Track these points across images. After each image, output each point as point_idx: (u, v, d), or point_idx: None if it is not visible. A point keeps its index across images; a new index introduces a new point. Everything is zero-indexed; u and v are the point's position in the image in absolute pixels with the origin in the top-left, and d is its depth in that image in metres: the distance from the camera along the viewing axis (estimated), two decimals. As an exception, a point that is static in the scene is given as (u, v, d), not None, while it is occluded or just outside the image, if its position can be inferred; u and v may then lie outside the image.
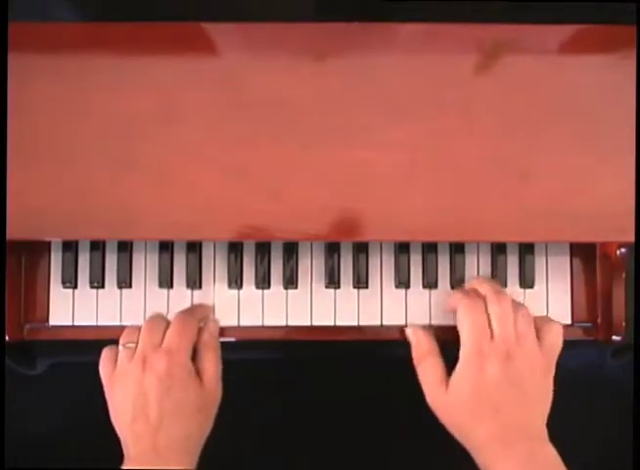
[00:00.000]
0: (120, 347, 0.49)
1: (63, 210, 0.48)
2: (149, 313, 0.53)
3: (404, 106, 0.48)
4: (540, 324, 0.49)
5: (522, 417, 0.46)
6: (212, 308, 0.53)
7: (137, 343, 0.48)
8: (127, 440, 0.46)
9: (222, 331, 0.53)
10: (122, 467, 0.45)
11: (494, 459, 0.45)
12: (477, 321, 0.47)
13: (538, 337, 0.48)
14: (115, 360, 0.49)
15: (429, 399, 0.48)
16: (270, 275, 0.54)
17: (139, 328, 0.49)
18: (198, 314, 0.52)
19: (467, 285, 0.52)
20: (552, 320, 0.49)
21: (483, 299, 0.49)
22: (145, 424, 0.46)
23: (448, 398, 0.47)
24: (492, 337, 0.47)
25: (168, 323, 0.50)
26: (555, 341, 0.48)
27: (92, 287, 0.54)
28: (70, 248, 0.53)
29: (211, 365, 0.49)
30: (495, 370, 0.46)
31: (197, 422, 0.47)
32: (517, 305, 0.48)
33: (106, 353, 0.50)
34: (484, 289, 0.49)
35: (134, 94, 0.48)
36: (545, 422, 0.47)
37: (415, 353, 0.50)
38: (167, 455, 0.45)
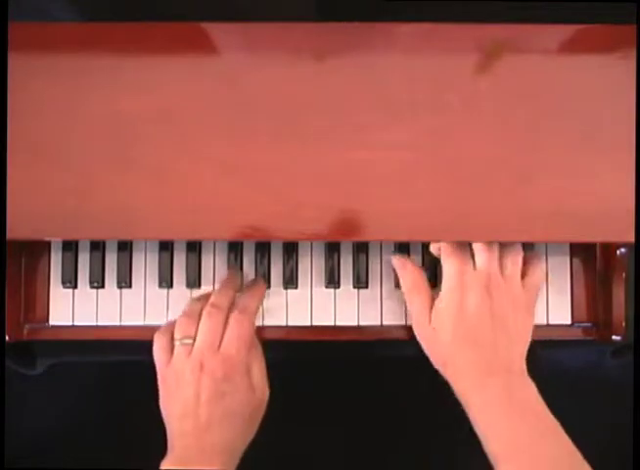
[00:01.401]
0: (177, 342, 0.48)
1: (63, 210, 0.47)
2: (149, 313, 0.53)
3: (404, 105, 0.48)
4: (527, 263, 0.50)
5: (501, 350, 0.47)
6: (264, 286, 0.53)
7: (194, 338, 0.47)
8: (174, 431, 0.47)
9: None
10: (167, 458, 0.45)
11: (472, 389, 0.46)
12: (460, 255, 0.48)
13: (523, 275, 0.49)
14: (170, 351, 0.48)
15: (415, 330, 0.49)
16: (270, 275, 0.54)
17: (195, 320, 0.48)
18: (254, 311, 0.50)
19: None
20: (538, 260, 0.50)
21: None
22: (194, 424, 0.46)
23: (431, 328, 0.48)
24: (475, 269, 0.48)
25: (227, 315, 0.48)
26: (537, 280, 0.50)
27: (92, 287, 0.54)
28: (70, 248, 0.53)
29: (259, 370, 0.49)
30: (476, 301, 0.47)
31: (243, 429, 0.47)
32: (509, 249, 0.49)
33: (160, 343, 0.48)
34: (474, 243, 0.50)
35: (134, 94, 0.48)
36: (524, 359, 0.48)
37: (403, 283, 0.50)
38: (211, 456, 0.45)
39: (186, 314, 0.49)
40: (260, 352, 0.50)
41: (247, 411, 0.47)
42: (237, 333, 0.48)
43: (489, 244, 0.48)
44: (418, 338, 0.49)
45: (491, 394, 0.45)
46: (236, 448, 0.47)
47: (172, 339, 0.49)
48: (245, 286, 0.53)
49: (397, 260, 0.52)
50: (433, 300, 0.49)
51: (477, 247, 0.49)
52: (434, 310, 0.48)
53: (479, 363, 0.46)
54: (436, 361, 0.48)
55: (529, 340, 0.48)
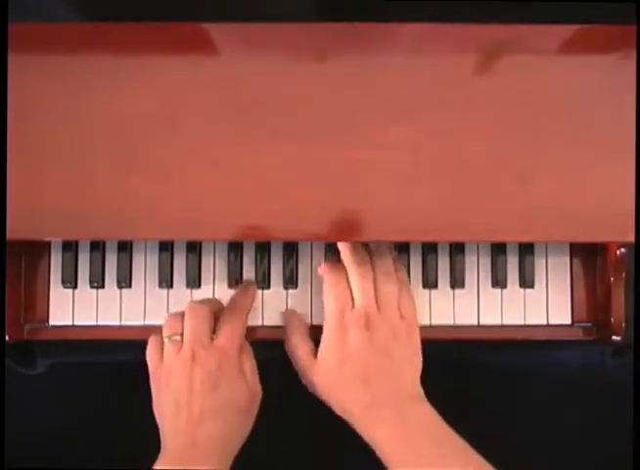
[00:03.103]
0: (165, 339, 0.48)
1: (63, 210, 0.47)
2: (149, 313, 0.53)
3: (404, 106, 0.48)
4: (399, 291, 0.50)
5: (390, 382, 0.47)
6: (255, 292, 0.53)
7: (182, 334, 0.48)
8: (166, 432, 0.46)
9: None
10: (159, 459, 0.45)
11: (369, 427, 0.46)
12: (338, 294, 0.49)
13: (398, 305, 0.49)
14: (161, 351, 0.48)
15: (302, 380, 0.50)
16: (270, 275, 0.54)
17: (181, 317, 0.49)
18: (247, 310, 0.51)
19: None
20: (403, 287, 0.50)
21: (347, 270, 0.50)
22: (186, 418, 0.45)
23: (318, 371, 0.48)
24: (353, 307, 0.48)
25: (211, 311, 0.49)
26: (408, 307, 0.50)
27: (92, 287, 0.54)
28: (70, 248, 0.53)
29: (249, 364, 0.49)
30: (357, 339, 0.47)
31: (237, 422, 0.47)
32: (382, 275, 0.50)
33: (152, 343, 0.49)
34: (347, 261, 0.50)
35: (134, 94, 0.48)
36: (418, 383, 0.48)
37: (286, 332, 0.51)
38: (204, 452, 0.45)
39: (172, 314, 0.50)
40: (251, 355, 0.50)
41: (241, 404, 0.47)
42: (230, 327, 0.48)
43: (364, 277, 0.49)
44: (307, 386, 0.50)
45: (387, 426, 0.46)
46: (230, 444, 0.47)
47: (162, 339, 0.49)
48: (237, 288, 0.53)
49: (284, 315, 0.53)
50: (312, 346, 0.50)
51: (352, 284, 0.49)
52: (318, 355, 0.49)
53: (369, 399, 0.47)
54: (332, 405, 0.48)
55: (420, 363, 0.49)
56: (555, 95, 0.48)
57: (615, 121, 0.48)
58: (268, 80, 0.48)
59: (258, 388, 0.49)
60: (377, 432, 0.46)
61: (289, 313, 0.53)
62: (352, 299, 0.49)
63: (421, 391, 0.48)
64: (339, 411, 0.48)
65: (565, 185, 0.48)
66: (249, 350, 0.50)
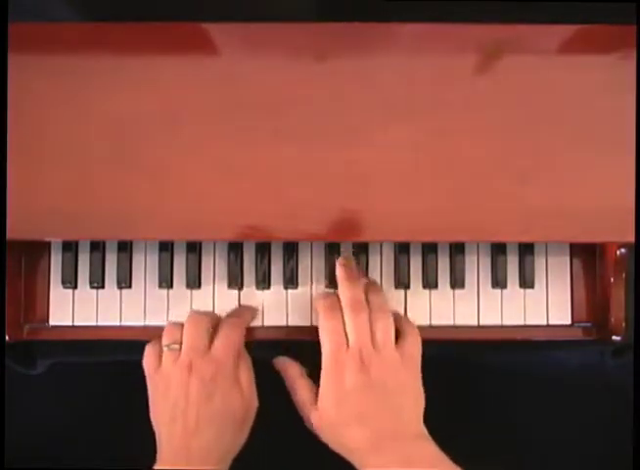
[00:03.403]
0: (164, 347, 0.48)
1: (63, 210, 0.47)
2: (149, 314, 0.53)
3: (404, 106, 0.48)
4: (401, 327, 0.49)
5: (389, 420, 0.46)
6: (257, 312, 0.53)
7: (181, 343, 0.48)
8: (162, 438, 0.47)
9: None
10: (155, 465, 0.45)
11: (370, 466, 0.45)
12: (332, 332, 0.48)
13: (399, 340, 0.48)
14: (159, 358, 0.49)
15: (306, 421, 0.49)
16: (270, 275, 0.54)
17: (181, 326, 0.49)
18: (246, 322, 0.51)
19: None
20: (410, 324, 0.50)
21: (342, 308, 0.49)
22: (182, 427, 0.46)
23: (319, 414, 0.47)
24: (349, 347, 0.47)
25: (210, 321, 0.49)
26: (412, 341, 0.49)
27: (92, 287, 0.53)
28: (70, 248, 0.53)
29: (247, 376, 0.49)
30: (353, 379, 0.46)
31: (232, 433, 0.47)
32: (376, 312, 0.48)
33: (149, 350, 0.49)
34: (342, 298, 0.49)
35: (134, 94, 0.48)
36: (421, 420, 0.47)
37: (287, 381, 0.50)
38: (198, 462, 0.45)
39: (172, 323, 0.50)
40: (249, 364, 0.50)
41: (236, 415, 0.47)
42: (227, 337, 0.48)
43: (357, 315, 0.48)
44: (311, 427, 0.49)
45: (389, 465, 0.44)
46: (225, 454, 0.47)
47: (161, 347, 0.49)
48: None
49: (277, 362, 0.52)
50: (314, 387, 0.49)
51: (347, 322, 0.48)
52: (318, 396, 0.48)
53: (370, 441, 0.45)
54: (333, 446, 0.47)
55: (422, 399, 0.48)
56: (555, 95, 0.48)
57: (615, 121, 0.48)
58: (268, 80, 0.48)
59: (254, 400, 0.49)
60: None
61: (278, 361, 0.52)
62: (347, 335, 0.48)
63: (424, 429, 0.47)
64: (339, 450, 0.47)
65: (565, 185, 0.48)
66: (247, 361, 0.50)
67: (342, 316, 0.48)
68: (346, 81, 0.48)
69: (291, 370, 0.51)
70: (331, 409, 0.47)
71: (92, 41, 0.48)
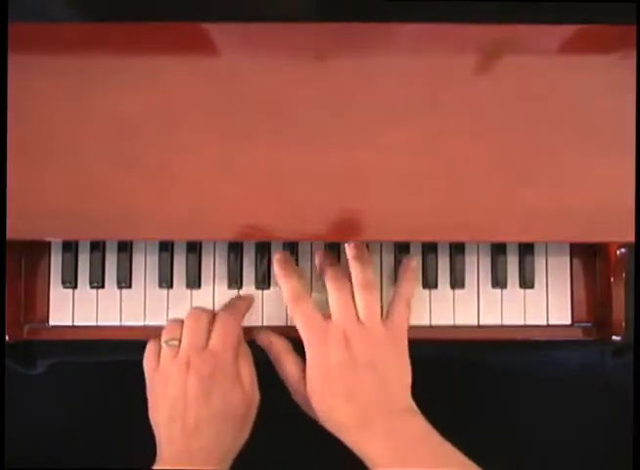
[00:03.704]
0: (163, 344, 0.48)
1: (63, 210, 0.47)
2: (149, 314, 0.53)
3: (404, 106, 0.48)
4: (390, 303, 0.50)
5: (377, 394, 0.46)
6: (252, 301, 0.53)
7: (180, 340, 0.48)
8: (161, 439, 0.46)
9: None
10: (155, 466, 0.45)
11: (360, 444, 0.45)
12: (305, 315, 0.48)
13: (387, 313, 0.49)
14: (158, 356, 0.48)
15: (293, 396, 0.49)
16: (270, 275, 0.54)
17: (181, 323, 0.49)
18: (242, 312, 0.51)
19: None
20: (399, 299, 0.50)
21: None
22: (181, 427, 0.45)
23: (306, 392, 0.48)
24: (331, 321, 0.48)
25: (211, 318, 0.49)
26: (398, 314, 0.49)
27: (92, 287, 0.53)
28: (70, 248, 0.53)
29: (247, 370, 0.49)
30: (337, 354, 0.46)
31: (233, 430, 0.47)
32: (360, 287, 0.49)
33: (149, 348, 0.49)
34: (327, 276, 0.49)
35: (134, 94, 0.48)
36: (408, 394, 0.47)
37: (272, 356, 0.50)
38: (199, 461, 0.45)
39: (172, 320, 0.50)
40: (249, 358, 0.50)
41: (236, 412, 0.47)
42: (223, 331, 0.48)
43: (339, 290, 0.48)
44: (298, 402, 0.49)
45: (379, 442, 0.45)
46: (226, 453, 0.47)
47: (160, 345, 0.49)
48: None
49: (262, 336, 0.51)
50: (301, 363, 0.49)
51: (329, 299, 0.48)
52: (306, 374, 0.48)
53: (357, 414, 0.46)
54: (321, 420, 0.48)
55: (409, 372, 0.48)
56: (555, 95, 0.48)
57: (615, 121, 0.48)
58: (268, 80, 0.48)
59: (256, 395, 0.49)
60: (369, 448, 0.45)
61: (262, 336, 0.51)
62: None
63: (412, 402, 0.47)
64: (326, 424, 0.47)
65: (565, 185, 0.48)
66: (248, 356, 0.50)
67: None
68: (346, 81, 0.48)
69: (276, 345, 0.50)
70: (317, 386, 0.47)
71: (92, 41, 0.48)
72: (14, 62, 0.47)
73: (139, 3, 0.53)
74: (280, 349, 0.50)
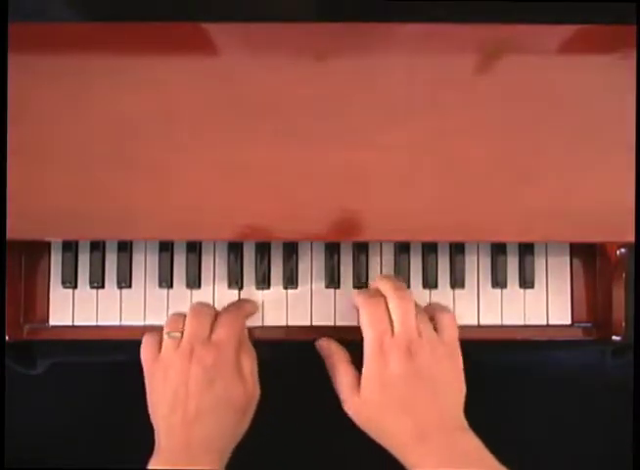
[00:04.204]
0: (165, 335, 0.48)
1: (63, 210, 0.48)
2: (149, 313, 0.53)
3: (404, 106, 0.48)
4: (434, 315, 0.49)
5: (434, 409, 0.46)
6: (257, 307, 0.53)
7: (182, 332, 0.48)
8: (161, 431, 0.46)
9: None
10: (153, 458, 0.45)
11: (413, 455, 0.45)
12: (376, 319, 0.47)
13: (435, 328, 0.48)
14: (158, 347, 0.48)
15: (344, 406, 0.48)
16: (270, 275, 0.54)
17: (183, 316, 0.49)
18: (245, 311, 0.51)
19: (370, 284, 0.52)
20: (443, 309, 0.50)
21: (385, 296, 0.49)
22: (181, 417, 0.45)
23: (360, 400, 0.47)
24: (393, 334, 0.47)
25: (213, 313, 0.49)
26: (450, 328, 0.49)
27: (92, 287, 0.54)
28: (70, 248, 0.53)
29: (249, 365, 0.49)
30: (398, 366, 0.46)
31: (233, 422, 0.47)
32: (417, 305, 0.49)
33: (147, 339, 0.49)
34: (386, 287, 0.49)
35: (134, 94, 0.48)
36: (462, 410, 0.47)
37: (328, 363, 0.50)
38: (198, 452, 0.45)
39: (175, 313, 0.50)
40: (252, 354, 0.50)
41: (236, 403, 0.47)
42: (227, 324, 0.48)
43: (404, 300, 0.47)
44: (348, 412, 0.48)
45: (434, 457, 0.44)
46: (226, 443, 0.47)
47: (160, 337, 0.49)
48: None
49: (322, 343, 0.51)
50: (356, 372, 0.48)
51: (392, 307, 0.48)
52: (361, 382, 0.47)
53: (413, 429, 0.45)
54: (371, 433, 0.47)
55: (464, 389, 0.48)
56: (555, 95, 0.48)
57: (615, 121, 0.48)
58: (268, 80, 0.48)
59: (256, 389, 0.49)
60: (422, 463, 0.44)
61: (324, 343, 0.51)
62: (391, 323, 0.47)
63: (464, 420, 0.47)
64: (377, 437, 0.47)
65: (565, 185, 0.48)
66: (250, 350, 0.50)
67: (385, 305, 0.48)
68: (346, 81, 0.48)
69: (336, 355, 0.50)
70: (374, 396, 0.46)
71: (92, 41, 0.48)
72: (14, 62, 0.47)
73: (139, 3, 0.53)
74: (339, 357, 0.50)
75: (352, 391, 0.48)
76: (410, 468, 0.45)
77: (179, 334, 0.48)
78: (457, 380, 0.48)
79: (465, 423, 0.46)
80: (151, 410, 0.48)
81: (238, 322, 0.49)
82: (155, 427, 0.47)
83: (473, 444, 0.45)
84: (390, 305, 0.48)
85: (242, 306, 0.52)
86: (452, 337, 0.48)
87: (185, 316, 0.49)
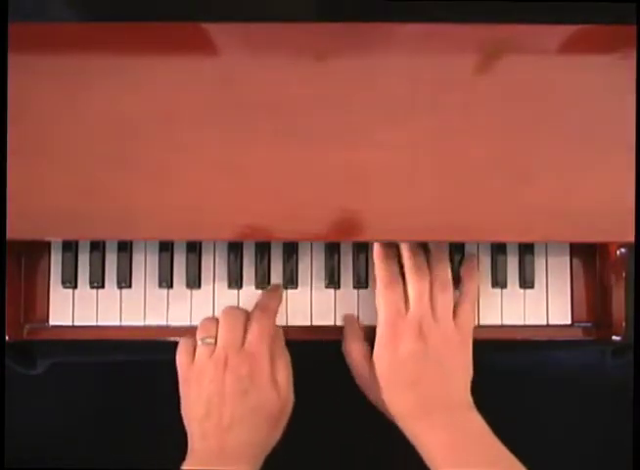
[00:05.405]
0: (199, 341, 0.48)
1: (63, 210, 0.47)
2: (149, 313, 0.53)
3: (404, 106, 0.48)
4: (458, 302, 0.50)
5: (440, 388, 0.47)
6: (281, 294, 0.53)
7: (216, 338, 0.48)
8: (194, 434, 0.46)
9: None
10: (187, 460, 0.45)
11: (418, 431, 0.47)
12: (391, 300, 0.49)
13: (455, 312, 0.50)
14: (193, 352, 0.48)
15: (356, 379, 0.50)
16: (270, 275, 0.54)
17: (216, 321, 0.49)
18: (275, 311, 0.51)
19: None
20: (467, 299, 0.51)
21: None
22: (216, 424, 0.46)
23: (371, 375, 0.49)
24: (407, 311, 0.49)
25: (246, 317, 0.49)
26: (468, 319, 0.50)
27: (92, 287, 0.54)
28: (70, 248, 0.53)
29: (283, 372, 0.49)
30: (408, 347, 0.48)
31: (266, 431, 0.47)
32: (439, 285, 0.50)
33: (183, 345, 0.49)
34: (407, 265, 0.50)
35: (134, 94, 0.48)
36: (468, 392, 0.49)
37: (343, 339, 0.52)
38: (232, 458, 0.45)
39: (207, 318, 0.51)
40: (287, 359, 0.50)
41: (270, 411, 0.47)
42: (258, 331, 0.48)
43: (421, 283, 0.49)
44: (358, 384, 0.50)
45: (437, 432, 0.46)
46: (259, 451, 0.47)
47: (194, 342, 0.49)
48: (265, 291, 0.53)
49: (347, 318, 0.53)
50: (368, 349, 0.50)
51: (410, 288, 0.49)
52: (372, 358, 0.49)
53: (418, 404, 0.47)
54: (378, 404, 0.49)
55: (471, 373, 0.49)
56: (555, 95, 0.48)
57: (614, 121, 0.48)
58: (268, 80, 0.48)
59: (291, 396, 0.49)
60: (426, 437, 0.46)
61: (347, 318, 0.53)
62: (406, 302, 0.49)
63: (471, 400, 0.48)
64: (389, 414, 0.49)
65: (565, 185, 0.48)
66: (284, 355, 0.50)
67: (403, 284, 0.50)
68: (346, 81, 0.48)
69: (348, 327, 0.52)
70: (384, 373, 0.48)
71: (92, 41, 0.48)
72: (14, 62, 0.47)
73: (139, 3, 0.53)
74: (351, 330, 0.52)
75: (363, 365, 0.50)
76: (412, 439, 0.47)
77: (212, 340, 0.48)
78: (465, 365, 0.49)
79: (471, 402, 0.48)
80: (184, 414, 0.48)
81: (269, 326, 0.49)
82: (188, 430, 0.47)
83: (476, 421, 0.47)
84: (409, 286, 0.49)
85: (270, 306, 0.51)
86: (466, 324, 0.50)
87: (217, 321, 0.49)
